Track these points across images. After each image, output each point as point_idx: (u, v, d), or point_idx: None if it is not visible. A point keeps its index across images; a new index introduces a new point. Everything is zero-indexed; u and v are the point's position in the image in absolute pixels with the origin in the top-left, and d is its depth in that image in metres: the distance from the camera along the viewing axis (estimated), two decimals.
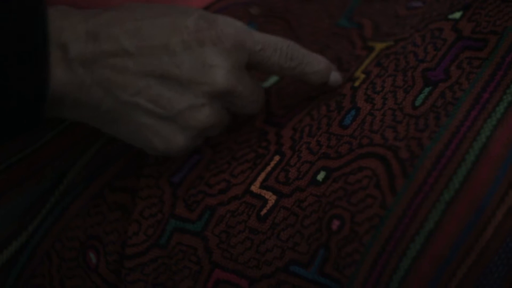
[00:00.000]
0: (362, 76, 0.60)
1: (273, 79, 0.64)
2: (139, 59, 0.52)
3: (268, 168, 0.58)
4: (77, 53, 0.51)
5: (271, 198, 0.56)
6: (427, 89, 0.55)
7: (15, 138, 0.52)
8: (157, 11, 0.54)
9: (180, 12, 0.54)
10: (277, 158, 0.58)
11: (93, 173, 0.62)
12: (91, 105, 0.52)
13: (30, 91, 0.49)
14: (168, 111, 0.53)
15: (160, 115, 0.53)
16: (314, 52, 0.59)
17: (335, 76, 0.60)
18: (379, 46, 0.63)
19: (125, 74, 0.52)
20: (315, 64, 0.58)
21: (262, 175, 0.58)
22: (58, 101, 0.51)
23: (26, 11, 0.49)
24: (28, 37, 0.49)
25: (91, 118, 0.54)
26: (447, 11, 0.61)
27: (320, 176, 0.55)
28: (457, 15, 0.59)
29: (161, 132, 0.54)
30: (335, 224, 0.52)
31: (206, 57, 0.53)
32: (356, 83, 0.60)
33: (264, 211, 0.56)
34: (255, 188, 0.57)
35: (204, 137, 0.58)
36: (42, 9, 0.50)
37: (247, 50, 0.55)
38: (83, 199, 0.62)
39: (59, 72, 0.50)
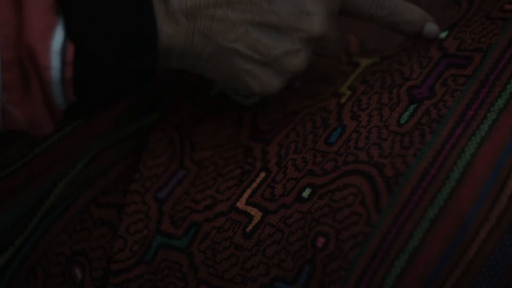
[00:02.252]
0: (348, 92, 0.60)
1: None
2: (239, 7, 0.53)
3: (254, 185, 0.58)
4: (179, 5, 0.52)
5: (256, 214, 0.56)
6: (412, 107, 0.56)
7: (132, 95, 0.55)
8: None
9: None
10: (263, 174, 0.58)
11: (79, 189, 0.62)
12: (194, 53, 0.54)
13: (142, 46, 0.51)
14: (266, 56, 0.55)
15: (258, 60, 0.55)
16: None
17: (430, 27, 0.60)
18: (364, 62, 0.63)
19: (225, 22, 0.53)
20: (408, 14, 0.59)
21: (248, 191, 0.58)
22: (166, 53, 0.53)
23: None
24: None
25: (193, 65, 0.55)
26: None
27: (306, 193, 0.55)
28: (442, 34, 0.60)
29: (259, 76, 0.56)
30: (320, 241, 0.52)
31: (303, 4, 0.55)
32: (342, 100, 0.60)
33: (250, 227, 0.56)
34: (241, 204, 0.57)
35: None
36: None
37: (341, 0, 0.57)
38: (69, 214, 0.61)
39: (165, 25, 0.52)
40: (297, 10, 0.55)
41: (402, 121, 0.55)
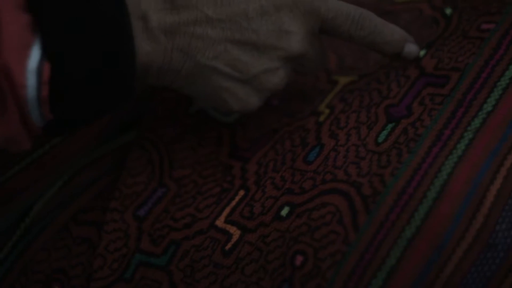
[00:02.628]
0: (327, 111, 0.61)
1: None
2: (218, 25, 0.54)
3: (233, 203, 0.58)
4: (157, 23, 0.53)
5: (235, 233, 0.56)
6: (389, 126, 0.56)
7: (110, 112, 0.54)
8: None
9: None
10: (241, 192, 0.58)
11: (59, 207, 0.62)
12: (172, 70, 0.54)
13: (120, 64, 0.51)
14: (245, 74, 0.55)
15: (237, 78, 0.55)
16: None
17: (410, 48, 0.60)
18: (342, 80, 0.63)
19: (204, 40, 0.54)
20: (388, 34, 0.59)
21: (227, 209, 0.58)
22: (144, 70, 0.53)
23: None
24: (109, 11, 0.50)
25: (172, 82, 0.56)
26: None
27: (284, 212, 0.55)
28: (421, 53, 0.60)
29: (237, 93, 0.56)
30: (299, 259, 0.52)
31: (283, 23, 0.55)
32: (321, 118, 0.60)
33: (229, 245, 0.56)
34: (220, 222, 0.58)
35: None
36: None
37: (320, 17, 0.56)
38: (49, 232, 0.61)
39: (143, 42, 0.52)
40: (276, 28, 0.55)
41: (380, 140, 0.55)
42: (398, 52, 0.60)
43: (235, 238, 0.56)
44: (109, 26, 0.50)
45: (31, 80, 0.48)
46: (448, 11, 0.62)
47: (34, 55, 0.48)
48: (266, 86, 0.56)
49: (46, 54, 0.48)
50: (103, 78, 0.50)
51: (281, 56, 0.56)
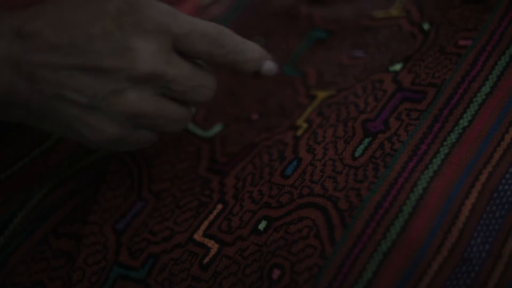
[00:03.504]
0: (305, 125, 0.61)
1: (217, 128, 0.65)
2: (61, 51, 0.51)
3: (211, 217, 0.58)
4: (2, 53, 0.51)
5: (213, 246, 0.57)
6: (366, 140, 0.56)
7: None
8: (81, 0, 0.53)
9: (104, 2, 0.53)
10: (220, 206, 0.59)
11: (39, 219, 0.62)
12: (19, 103, 0.52)
13: None
14: (92, 99, 0.52)
15: (84, 105, 0.52)
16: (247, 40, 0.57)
17: (269, 65, 0.58)
18: (321, 94, 0.64)
19: (48, 68, 0.51)
20: (249, 52, 0.56)
21: (205, 223, 0.58)
22: None
23: None
24: None
25: (23, 117, 0.53)
26: (388, 63, 0.62)
27: (262, 226, 0.55)
28: (397, 67, 0.61)
29: (89, 122, 0.52)
30: (276, 273, 0.53)
31: (126, 41, 0.52)
32: (299, 132, 0.61)
33: (207, 259, 0.56)
34: (198, 236, 0.58)
35: (151, 130, 0.56)
36: None
37: (171, 34, 0.53)
38: (28, 245, 0.61)
39: None
40: (120, 47, 0.52)
41: (357, 154, 0.56)
42: (258, 70, 0.57)
43: (213, 251, 0.56)
44: None
45: None
46: (426, 26, 0.63)
47: None
48: (116, 110, 0.52)
49: None
50: None
51: (127, 76, 0.52)
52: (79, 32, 0.51)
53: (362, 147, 0.56)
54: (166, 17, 0.53)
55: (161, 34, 0.53)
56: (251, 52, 0.57)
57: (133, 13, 0.52)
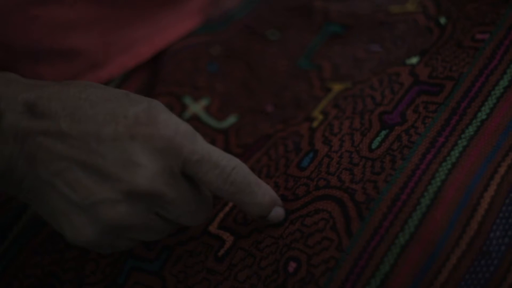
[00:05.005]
0: (320, 117, 0.61)
1: (232, 119, 0.65)
2: (68, 141, 0.50)
3: (227, 209, 0.58)
4: (10, 124, 0.50)
5: (228, 238, 0.56)
6: (383, 132, 0.56)
7: None
8: (106, 95, 0.51)
9: (128, 101, 0.51)
10: None
11: None
12: (14, 179, 0.51)
13: None
14: (82, 199, 0.49)
15: (73, 202, 0.50)
16: (263, 182, 0.54)
17: (277, 212, 0.55)
18: (336, 87, 0.63)
19: (50, 153, 0.50)
20: (259, 196, 0.53)
21: (220, 215, 0.58)
22: None
23: None
24: None
25: (14, 191, 0.52)
26: (404, 56, 0.62)
27: None
28: (414, 60, 0.60)
29: (72, 219, 0.50)
30: (292, 266, 0.52)
31: (133, 153, 0.49)
32: (314, 124, 0.60)
33: (222, 252, 0.56)
34: (213, 228, 0.57)
35: (130, 239, 0.54)
36: None
37: (182, 157, 0.50)
38: (41, 236, 0.61)
39: None
40: (125, 157, 0.49)
41: (373, 146, 0.55)
42: (264, 216, 0.54)
43: (228, 244, 0.56)
44: None
45: None
46: (442, 20, 0.63)
47: None
48: (102, 218, 0.50)
49: None
50: None
51: (123, 189, 0.49)
52: (90, 129, 0.50)
53: (379, 139, 0.56)
54: (181, 139, 0.50)
55: (171, 155, 0.50)
56: (262, 196, 0.53)
57: (149, 125, 0.50)
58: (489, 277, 0.50)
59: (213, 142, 0.63)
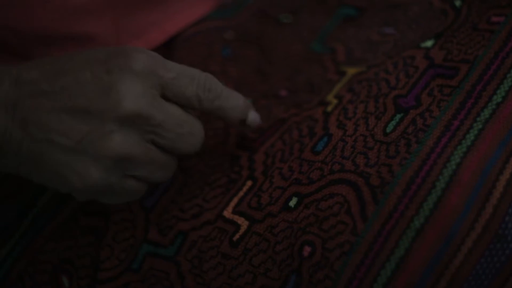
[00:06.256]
0: (334, 101, 0.61)
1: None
2: (52, 96, 0.52)
3: (241, 193, 0.58)
4: (1, 97, 0.52)
5: (243, 223, 0.56)
6: (398, 116, 0.56)
7: None
8: (78, 53, 0.54)
9: (98, 50, 0.54)
10: (249, 183, 0.58)
11: (66, 196, 0.62)
12: (12, 150, 0.52)
13: None
14: (77, 141, 0.52)
15: (72, 149, 0.52)
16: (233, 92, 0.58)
17: (254, 115, 0.59)
18: (351, 71, 0.63)
19: (39, 112, 0.52)
20: (234, 98, 0.57)
21: (235, 200, 0.58)
22: None
23: None
24: None
25: (15, 163, 0.53)
26: (419, 40, 0.61)
27: (292, 202, 0.55)
28: (429, 43, 0.60)
29: (75, 166, 0.52)
30: (307, 250, 0.52)
31: (113, 83, 0.52)
32: (329, 108, 0.60)
33: (237, 236, 0.56)
34: (227, 213, 0.57)
35: (137, 181, 0.55)
36: None
37: (159, 77, 0.53)
38: (56, 222, 0.61)
39: None
40: (106, 90, 0.52)
41: (388, 130, 0.55)
42: (243, 118, 0.58)
43: (243, 229, 0.56)
44: None
45: None
46: (457, 3, 0.62)
47: None
48: (101, 152, 0.52)
49: None
50: None
51: (113, 117, 0.52)
52: (69, 78, 0.52)
53: (393, 122, 0.55)
54: (153, 61, 0.53)
55: (149, 77, 0.53)
56: (237, 99, 0.57)
57: (121, 56, 0.53)
58: (505, 260, 0.50)
59: (227, 127, 0.63)
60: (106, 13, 0.66)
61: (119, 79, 0.52)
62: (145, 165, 0.54)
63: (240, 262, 0.55)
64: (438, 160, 0.51)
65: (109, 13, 0.66)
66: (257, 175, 0.58)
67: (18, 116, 0.52)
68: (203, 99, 0.55)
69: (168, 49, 0.70)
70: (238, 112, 0.57)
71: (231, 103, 0.57)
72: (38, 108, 0.52)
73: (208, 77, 0.56)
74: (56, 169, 0.52)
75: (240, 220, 0.57)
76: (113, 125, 0.52)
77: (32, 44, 0.62)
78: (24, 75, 0.52)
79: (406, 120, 0.55)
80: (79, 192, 0.53)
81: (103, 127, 0.52)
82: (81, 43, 0.64)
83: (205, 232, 0.57)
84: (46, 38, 0.63)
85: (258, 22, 0.71)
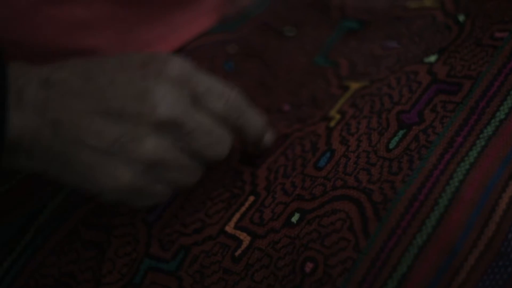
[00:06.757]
0: (337, 116, 0.60)
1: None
2: (84, 98, 0.52)
3: (243, 209, 0.58)
4: (31, 97, 0.51)
5: (245, 239, 0.56)
6: (401, 132, 0.56)
7: None
8: (108, 57, 0.54)
9: (130, 54, 0.55)
10: (251, 198, 0.58)
11: (68, 210, 0.62)
12: (42, 149, 0.52)
13: None
14: (111, 144, 0.52)
15: (104, 150, 0.52)
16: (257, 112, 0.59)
17: (270, 136, 0.60)
18: (354, 85, 0.63)
19: (71, 113, 0.52)
20: (256, 119, 0.59)
21: (237, 215, 0.58)
22: (14, 148, 0.52)
23: None
24: None
25: (43, 164, 0.53)
26: (422, 54, 0.61)
27: (295, 218, 0.55)
28: (432, 58, 0.60)
29: (106, 168, 0.52)
30: (309, 266, 0.52)
31: (148, 88, 0.52)
32: (332, 124, 0.60)
33: (239, 252, 0.56)
34: (229, 228, 0.57)
35: (165, 185, 0.56)
36: (1, 58, 0.51)
37: (191, 87, 0.54)
38: (58, 236, 0.61)
39: (15, 117, 0.51)
40: (141, 95, 0.52)
41: (391, 146, 0.55)
42: (260, 139, 0.60)
43: (245, 244, 0.56)
44: None
45: None
46: (461, 18, 0.62)
47: None
48: (133, 156, 0.52)
49: None
50: None
51: (147, 122, 0.52)
52: (103, 80, 0.52)
53: (396, 139, 0.55)
54: (188, 70, 0.54)
55: (182, 85, 0.54)
56: (258, 117, 0.59)
57: (158, 62, 0.54)
58: (507, 278, 0.50)
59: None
60: (111, 27, 0.66)
61: (155, 85, 0.53)
62: (174, 170, 0.55)
63: (242, 277, 0.55)
64: (441, 177, 0.51)
65: (113, 27, 0.66)
66: (260, 190, 0.58)
67: (49, 116, 0.51)
68: (228, 117, 0.56)
69: None
70: (257, 132, 0.59)
71: (254, 123, 0.58)
72: (70, 109, 0.52)
73: (237, 96, 0.57)
74: (86, 170, 0.53)
75: (242, 236, 0.57)
76: (147, 130, 0.52)
77: (36, 58, 0.62)
78: (54, 76, 0.52)
79: (409, 136, 0.55)
80: (109, 193, 0.54)
81: (137, 131, 0.52)
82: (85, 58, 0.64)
83: (207, 247, 0.57)
84: (51, 52, 0.63)
85: (261, 35, 0.71)
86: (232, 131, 0.57)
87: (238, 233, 0.57)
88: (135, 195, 0.55)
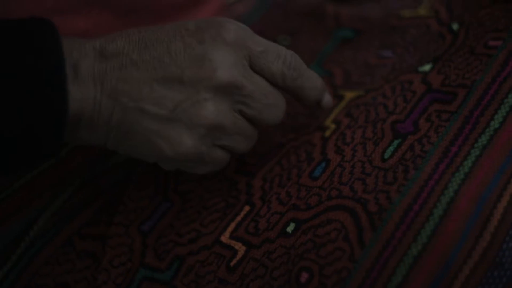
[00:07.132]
0: (333, 126, 0.61)
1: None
2: (143, 66, 0.52)
3: (238, 218, 0.58)
4: (87, 69, 0.52)
5: (240, 249, 0.56)
6: (396, 142, 0.56)
7: (37, 165, 0.53)
8: (159, 26, 0.55)
9: (185, 22, 0.55)
10: (247, 208, 0.58)
11: (63, 220, 0.62)
12: (102, 120, 0.53)
13: (51, 112, 0.50)
14: (172, 110, 0.53)
15: (165, 117, 0.53)
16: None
17: (328, 98, 0.60)
18: (348, 95, 0.63)
19: (130, 83, 0.52)
20: (314, 79, 0.58)
21: (232, 225, 0.58)
22: (75, 121, 0.52)
23: (42, 35, 0.51)
24: (45, 58, 0.50)
25: (104, 135, 0.54)
26: (417, 63, 0.61)
27: (290, 228, 0.55)
28: (426, 67, 0.60)
29: (168, 134, 0.53)
30: (304, 276, 0.52)
31: (206, 53, 0.53)
32: (327, 133, 0.60)
33: (234, 262, 0.56)
34: (224, 238, 0.57)
35: (224, 150, 0.57)
36: (55, 32, 0.51)
37: (248, 49, 0.55)
38: (52, 246, 0.61)
39: (74, 90, 0.51)
40: (199, 60, 0.53)
41: (386, 156, 0.55)
42: (320, 99, 0.59)
43: (240, 254, 0.56)
44: (42, 71, 0.50)
45: None
46: (455, 26, 0.62)
47: None
48: (195, 121, 0.53)
49: None
50: (32, 127, 0.50)
51: (207, 86, 0.53)
52: (160, 48, 0.53)
53: (391, 148, 0.55)
54: (244, 33, 0.54)
55: (240, 48, 0.54)
56: (316, 79, 0.58)
57: (213, 27, 0.54)
58: None
59: None
60: None
61: (212, 49, 0.53)
62: (233, 135, 0.55)
63: (237, 287, 0.55)
64: (436, 187, 0.51)
65: None
66: (255, 200, 0.58)
67: (107, 87, 0.52)
68: (287, 77, 0.56)
69: None
70: (316, 93, 0.58)
71: (312, 83, 0.58)
72: (129, 78, 0.52)
73: (294, 55, 0.57)
74: (147, 138, 0.53)
75: (238, 245, 0.57)
76: (207, 94, 0.53)
77: None
78: (110, 47, 0.53)
79: (404, 146, 0.55)
80: (169, 160, 0.54)
81: (197, 95, 0.53)
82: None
83: (202, 256, 0.57)
84: None
85: None
86: (291, 92, 0.58)
87: (233, 243, 0.57)
88: (195, 162, 0.55)
